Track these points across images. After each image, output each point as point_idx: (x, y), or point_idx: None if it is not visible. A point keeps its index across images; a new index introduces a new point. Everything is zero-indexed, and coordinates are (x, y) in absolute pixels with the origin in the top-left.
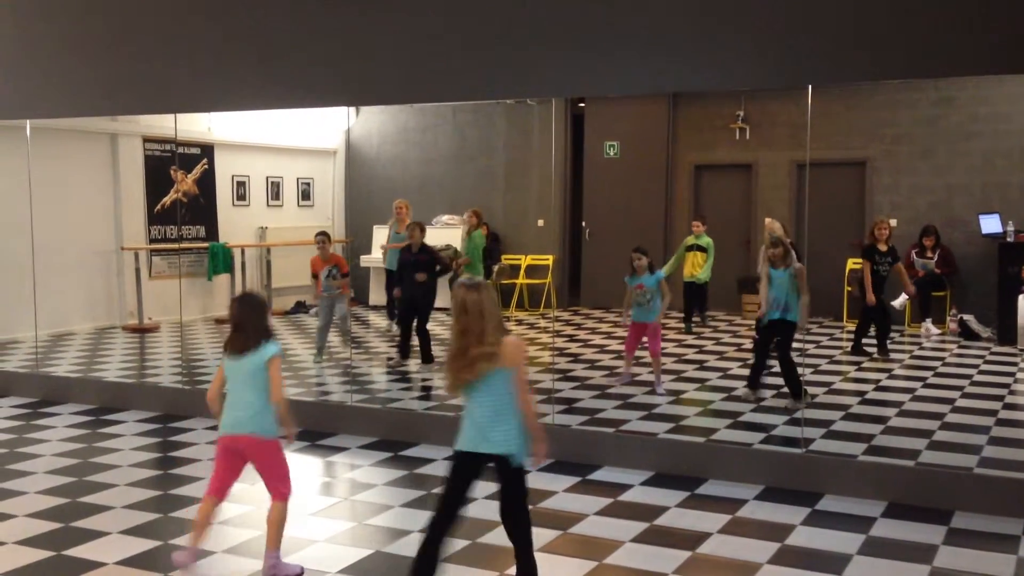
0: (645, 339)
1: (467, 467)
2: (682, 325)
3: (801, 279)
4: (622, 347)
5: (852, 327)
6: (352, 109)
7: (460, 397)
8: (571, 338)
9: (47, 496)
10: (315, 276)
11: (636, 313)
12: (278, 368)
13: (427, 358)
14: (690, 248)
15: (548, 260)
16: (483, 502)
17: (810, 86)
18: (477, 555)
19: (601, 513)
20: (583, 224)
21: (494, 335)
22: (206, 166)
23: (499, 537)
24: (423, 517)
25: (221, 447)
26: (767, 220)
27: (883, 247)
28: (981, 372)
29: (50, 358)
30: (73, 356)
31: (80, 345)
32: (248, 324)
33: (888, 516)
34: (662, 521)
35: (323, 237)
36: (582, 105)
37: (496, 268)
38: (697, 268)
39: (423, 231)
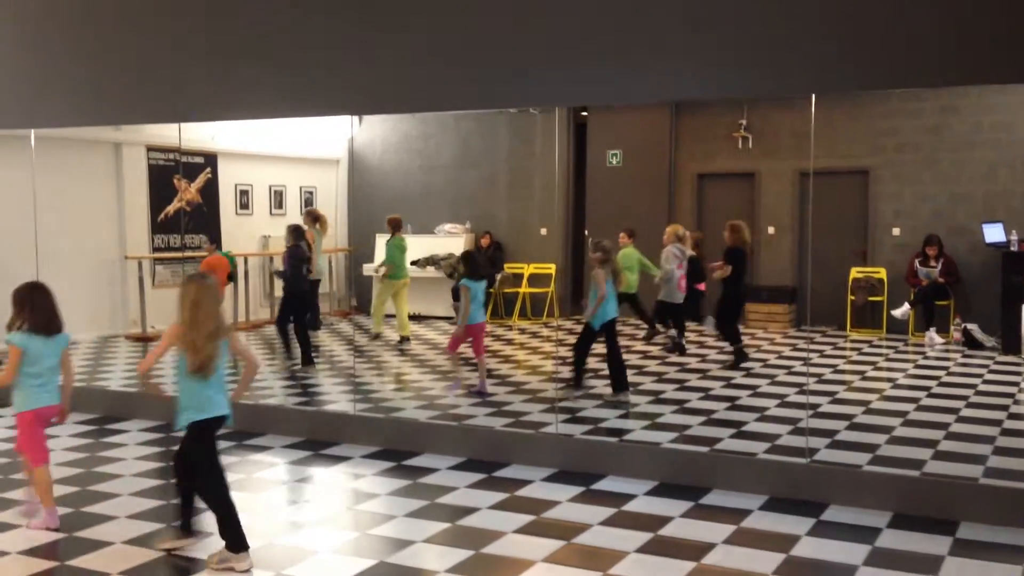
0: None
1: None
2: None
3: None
4: (628, 356)
5: (856, 336)
6: (355, 118)
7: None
8: (574, 347)
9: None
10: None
11: (474, 314)
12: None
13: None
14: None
15: (551, 269)
16: (487, 512)
17: (813, 95)
18: (484, 566)
19: (605, 523)
20: (586, 233)
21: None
22: (209, 175)
23: (504, 548)
24: (427, 527)
25: (39, 417)
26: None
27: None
28: (985, 382)
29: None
30: (76, 365)
31: (83, 354)
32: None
33: (894, 527)
34: (667, 531)
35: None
36: (585, 114)
37: (499, 277)
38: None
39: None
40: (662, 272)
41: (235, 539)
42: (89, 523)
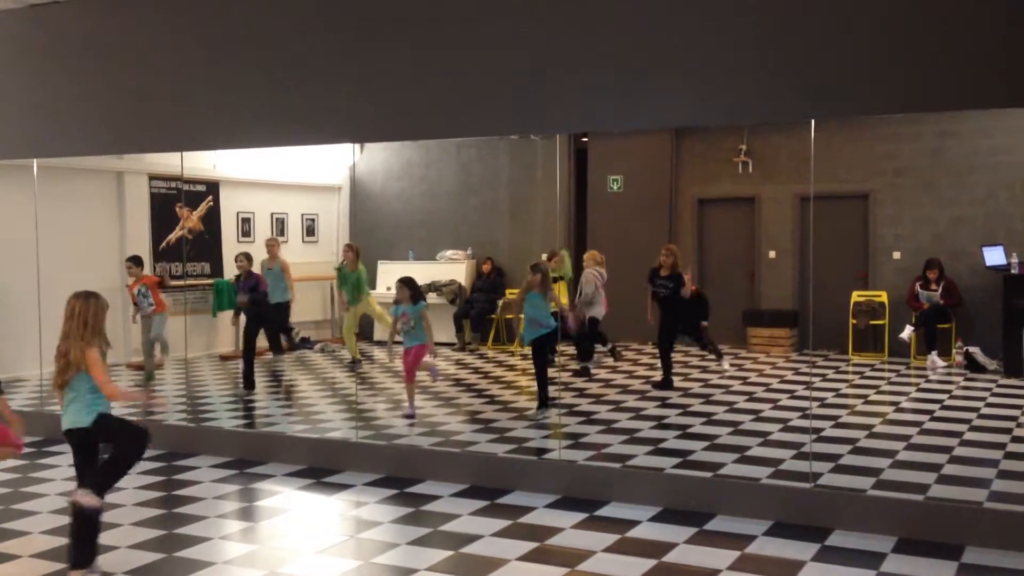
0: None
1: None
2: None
3: (555, 299)
4: (627, 381)
5: (858, 359)
6: (356, 146)
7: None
8: (576, 372)
9: (51, 536)
10: (135, 304)
11: (408, 339)
12: None
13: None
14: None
15: None
16: (490, 539)
17: (812, 120)
18: None
19: (609, 550)
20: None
21: (85, 338)
22: (211, 203)
23: None
24: (430, 555)
25: None
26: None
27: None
28: (988, 405)
29: (53, 396)
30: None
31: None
32: None
33: (899, 551)
34: (671, 558)
35: (131, 262)
36: (585, 140)
37: (501, 303)
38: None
39: (250, 261)
40: (582, 296)
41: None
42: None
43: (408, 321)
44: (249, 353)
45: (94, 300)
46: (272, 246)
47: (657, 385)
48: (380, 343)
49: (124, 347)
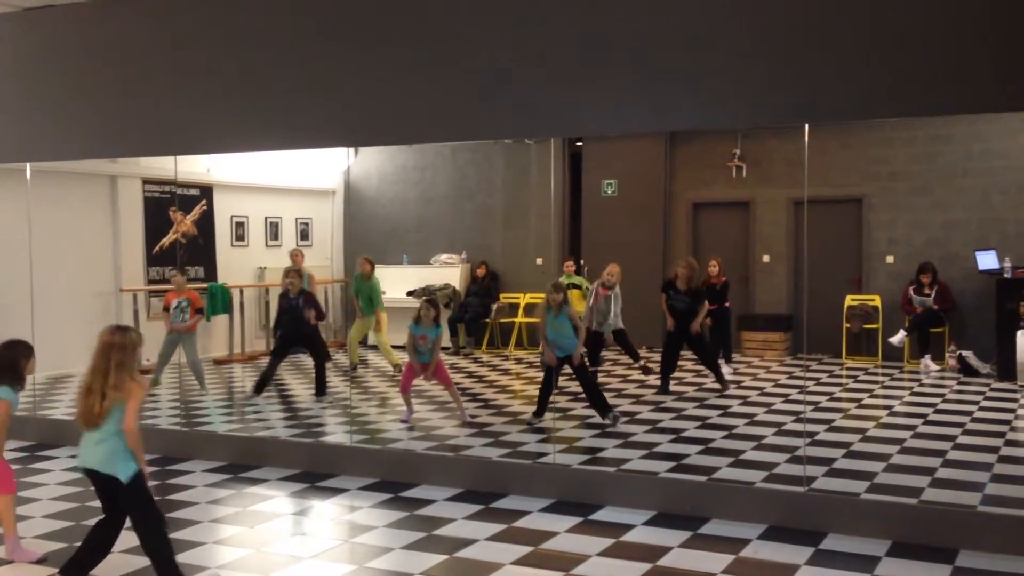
0: (425, 379)
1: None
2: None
3: (574, 319)
4: (622, 385)
5: (852, 363)
6: (351, 149)
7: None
8: (570, 376)
9: (44, 540)
10: (166, 309)
11: (417, 356)
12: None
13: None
14: (569, 287)
15: None
16: (485, 543)
17: (806, 124)
18: None
19: (604, 554)
20: (581, 262)
21: (118, 376)
22: (205, 207)
23: None
24: (425, 559)
25: None
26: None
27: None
28: (981, 408)
29: (48, 401)
30: (71, 399)
31: (77, 387)
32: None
33: (893, 555)
34: (665, 561)
35: (178, 272)
36: (580, 144)
37: (495, 307)
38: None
39: (301, 278)
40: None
41: None
42: None
43: (427, 343)
44: (276, 361)
45: (132, 334)
46: (296, 256)
47: (658, 390)
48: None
49: None
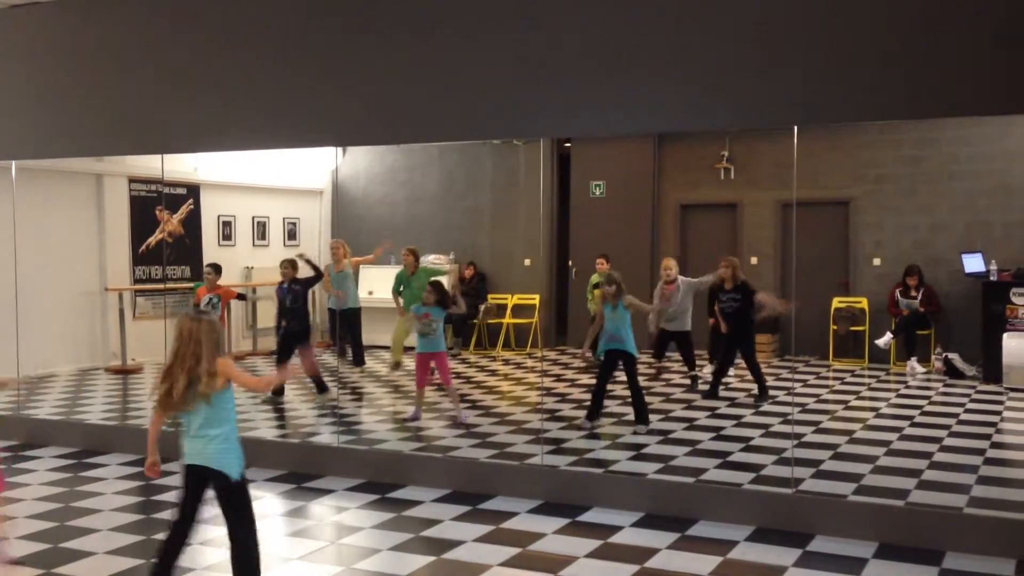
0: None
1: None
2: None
3: (635, 306)
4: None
5: (839, 365)
6: (339, 149)
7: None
8: (558, 378)
9: (28, 541)
10: (196, 305)
11: (422, 344)
12: None
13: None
14: (596, 286)
15: (535, 299)
16: (472, 544)
17: (795, 127)
18: None
19: (591, 555)
20: (570, 263)
21: (210, 359)
22: (192, 206)
23: None
24: (412, 561)
25: None
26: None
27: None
28: (967, 411)
29: (33, 400)
30: (56, 398)
31: (63, 387)
32: None
33: (880, 557)
34: (653, 563)
35: (210, 269)
36: (568, 145)
37: (482, 307)
38: None
39: (294, 268)
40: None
41: None
42: (67, 559)
43: (430, 323)
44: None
45: (207, 321)
46: (336, 248)
47: (705, 394)
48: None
49: (103, 351)
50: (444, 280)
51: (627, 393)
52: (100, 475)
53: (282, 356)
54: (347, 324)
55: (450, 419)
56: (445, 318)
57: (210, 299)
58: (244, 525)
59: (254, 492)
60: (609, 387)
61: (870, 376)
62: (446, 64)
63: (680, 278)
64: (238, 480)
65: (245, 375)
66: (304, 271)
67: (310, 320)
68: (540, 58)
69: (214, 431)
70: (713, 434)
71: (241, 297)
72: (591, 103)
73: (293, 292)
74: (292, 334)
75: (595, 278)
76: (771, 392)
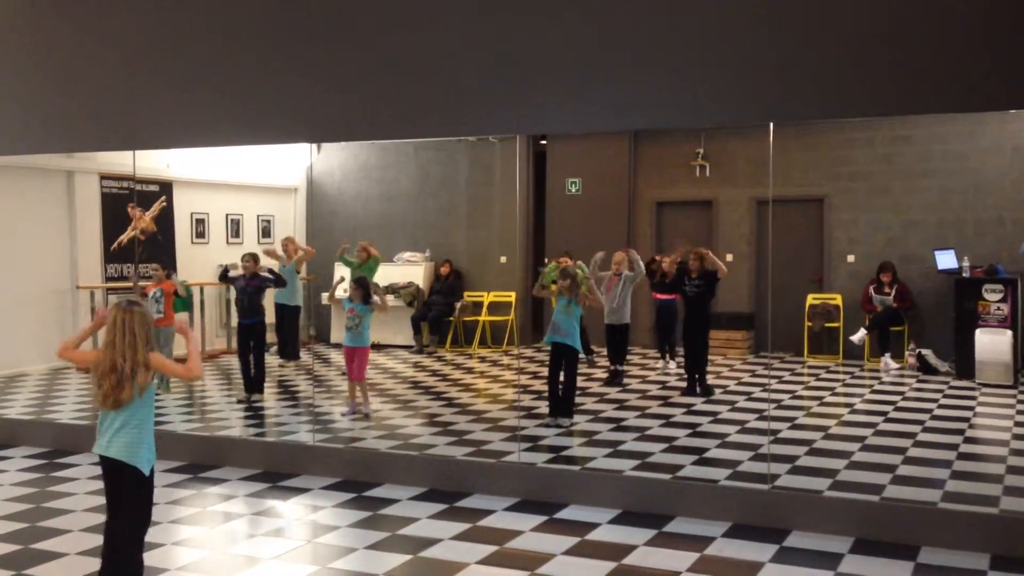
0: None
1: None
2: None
3: (590, 298)
4: (587, 384)
5: (813, 362)
6: (314, 146)
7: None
8: (535, 375)
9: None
10: (145, 296)
11: (348, 338)
12: None
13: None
14: (554, 281)
15: (511, 297)
16: (449, 543)
17: (771, 124)
18: None
19: (569, 553)
20: (546, 260)
21: (144, 351)
22: (164, 203)
23: None
24: (389, 559)
25: None
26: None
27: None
28: (941, 406)
29: (2, 400)
30: (26, 398)
31: (33, 386)
32: None
33: (856, 552)
34: (630, 560)
35: (157, 266)
36: (544, 142)
37: (459, 305)
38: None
39: (256, 262)
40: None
41: None
42: (38, 560)
43: (354, 317)
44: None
45: (139, 310)
46: (286, 244)
47: (684, 391)
48: (336, 345)
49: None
50: (417, 275)
51: (604, 390)
52: (71, 475)
53: (243, 351)
54: (286, 319)
55: (357, 410)
56: (369, 313)
57: (154, 294)
58: (136, 519)
59: (227, 491)
60: (585, 384)
61: (844, 372)
62: (421, 61)
63: (624, 272)
64: (147, 476)
65: (176, 365)
66: (268, 263)
67: (264, 315)
68: (516, 55)
69: (132, 424)
70: (689, 431)
71: (176, 293)
72: (567, 100)
73: (252, 287)
74: (245, 328)
75: (550, 272)
76: (712, 388)
